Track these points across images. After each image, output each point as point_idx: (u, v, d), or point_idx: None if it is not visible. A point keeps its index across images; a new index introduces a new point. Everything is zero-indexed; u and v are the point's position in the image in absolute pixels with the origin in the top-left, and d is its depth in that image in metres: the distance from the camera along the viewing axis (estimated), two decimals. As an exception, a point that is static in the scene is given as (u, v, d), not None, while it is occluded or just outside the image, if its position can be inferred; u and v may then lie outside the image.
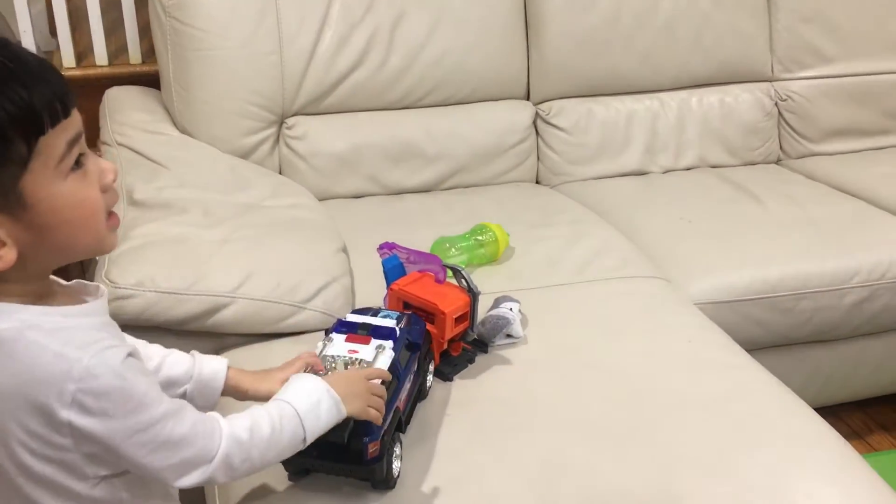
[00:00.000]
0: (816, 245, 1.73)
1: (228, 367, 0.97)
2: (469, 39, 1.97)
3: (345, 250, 1.56)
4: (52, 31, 2.16)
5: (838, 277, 1.67)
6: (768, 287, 1.65)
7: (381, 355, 1.01)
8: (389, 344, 1.03)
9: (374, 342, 1.03)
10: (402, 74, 1.94)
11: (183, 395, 0.92)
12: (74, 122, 0.70)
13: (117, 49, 2.12)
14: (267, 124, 1.88)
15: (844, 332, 1.74)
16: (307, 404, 0.85)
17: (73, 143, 0.70)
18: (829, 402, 1.80)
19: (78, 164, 0.71)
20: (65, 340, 0.70)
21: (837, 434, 1.19)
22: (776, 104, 2.22)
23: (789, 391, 1.27)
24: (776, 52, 2.21)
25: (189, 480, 0.78)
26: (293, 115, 1.91)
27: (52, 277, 0.78)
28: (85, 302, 0.77)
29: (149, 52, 2.06)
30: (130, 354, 0.74)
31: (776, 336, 1.68)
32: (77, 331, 0.72)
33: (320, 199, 1.81)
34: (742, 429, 1.17)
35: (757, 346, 1.62)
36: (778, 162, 2.24)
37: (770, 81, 2.22)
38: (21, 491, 0.74)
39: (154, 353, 0.93)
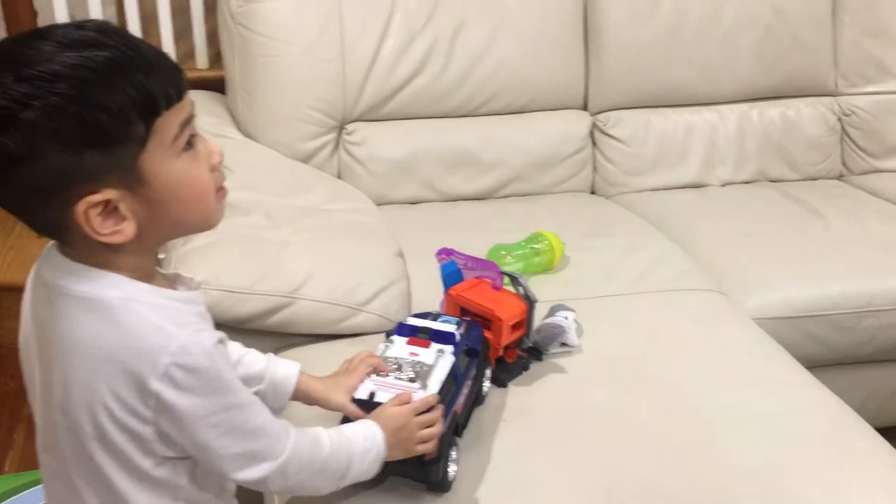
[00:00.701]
0: (880, 262, 1.70)
1: (300, 372, 1.00)
2: (528, 49, 1.98)
3: (401, 255, 1.57)
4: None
5: (902, 295, 1.64)
6: (830, 304, 1.62)
7: (441, 359, 1.02)
8: (450, 349, 1.05)
9: (435, 346, 1.05)
10: (461, 83, 1.96)
11: (255, 395, 0.95)
12: (186, 105, 0.75)
13: (185, 54, 2.17)
14: (327, 130, 1.91)
15: (907, 352, 1.70)
16: (361, 449, 0.90)
17: (184, 124, 0.74)
18: (888, 423, 1.75)
19: (189, 144, 0.75)
20: (166, 317, 0.75)
21: (897, 454, 1.17)
22: (839, 119, 2.18)
23: (849, 410, 1.25)
24: (840, 67, 2.18)
25: (246, 475, 0.81)
26: (353, 122, 1.94)
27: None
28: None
29: (215, 58, 2.12)
30: (221, 341, 0.78)
31: (836, 354, 1.66)
32: (177, 311, 0.77)
33: (377, 205, 1.83)
34: (800, 446, 1.15)
35: (815, 364, 1.59)
36: (840, 177, 2.20)
37: (833, 96, 2.19)
38: (91, 456, 0.78)
39: (233, 349, 0.96)
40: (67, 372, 0.76)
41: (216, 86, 2.05)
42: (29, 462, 1.79)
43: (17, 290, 2.19)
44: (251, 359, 0.99)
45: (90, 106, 0.68)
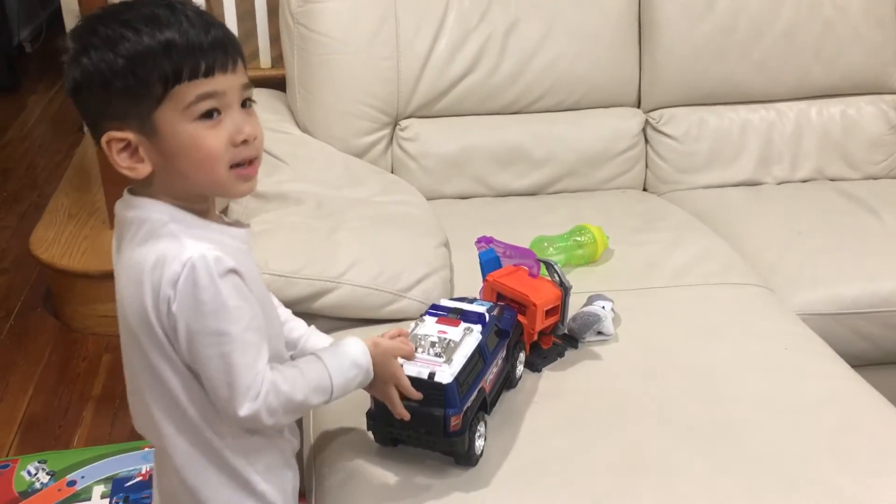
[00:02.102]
0: (934, 260, 1.66)
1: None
2: (581, 46, 2.00)
3: (447, 245, 1.62)
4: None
5: (955, 294, 1.60)
6: (879, 301, 1.60)
7: (467, 336, 1.06)
8: (478, 328, 1.08)
9: (463, 325, 1.08)
10: (514, 80, 1.99)
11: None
12: (216, 82, 0.85)
13: (250, 55, 2.27)
14: (381, 126, 1.97)
15: (961, 353, 1.66)
16: (342, 381, 0.96)
17: (204, 97, 0.84)
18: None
19: (209, 115, 0.85)
20: (194, 235, 0.87)
21: (938, 449, 1.15)
22: (902, 117, 2.13)
23: (886, 402, 1.24)
24: (903, 64, 2.13)
25: (234, 410, 0.88)
26: (406, 118, 1.99)
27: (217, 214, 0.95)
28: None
29: (278, 58, 2.20)
30: (235, 273, 0.86)
31: (884, 352, 1.63)
32: (205, 232, 0.88)
33: (429, 199, 1.87)
34: (832, 436, 1.15)
35: (864, 362, 1.57)
36: (902, 177, 2.15)
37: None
38: (150, 360, 0.89)
39: (281, 312, 1.08)
40: (122, 283, 0.90)
41: (278, 84, 2.13)
42: (96, 438, 1.90)
43: (91, 278, 2.33)
44: (293, 325, 1.09)
45: (126, 68, 0.83)
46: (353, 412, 1.15)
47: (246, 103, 0.89)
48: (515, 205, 1.94)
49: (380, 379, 1.00)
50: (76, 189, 2.60)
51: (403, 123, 1.99)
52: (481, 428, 1.07)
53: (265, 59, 2.24)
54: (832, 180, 2.10)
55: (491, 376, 1.11)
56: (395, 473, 1.07)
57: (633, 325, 1.39)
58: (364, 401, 1.08)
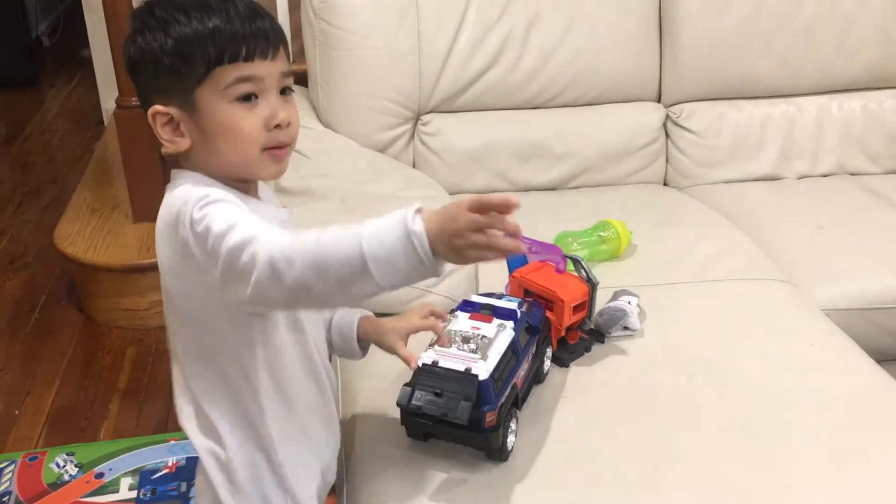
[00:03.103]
0: (958, 255, 1.66)
1: (360, 318, 1.10)
2: (602, 42, 2.00)
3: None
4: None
5: (979, 290, 1.60)
6: (903, 296, 1.60)
7: (501, 333, 1.07)
8: (510, 324, 1.09)
9: (496, 321, 1.10)
10: (535, 75, 2.00)
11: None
12: (255, 67, 0.89)
13: (270, 49, 2.28)
14: (403, 121, 1.98)
15: (985, 348, 1.66)
16: (374, 229, 0.78)
17: (242, 80, 0.89)
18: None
19: (247, 98, 0.90)
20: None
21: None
22: (924, 111, 2.13)
23: (916, 399, 1.24)
24: (925, 57, 2.12)
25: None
26: (428, 113, 2.00)
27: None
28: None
29: (299, 53, 2.21)
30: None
31: (909, 348, 1.63)
32: (246, 204, 0.89)
33: (450, 194, 1.88)
34: (861, 433, 1.16)
35: (888, 357, 1.58)
36: (923, 171, 2.14)
37: (917, 87, 2.13)
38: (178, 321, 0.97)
39: None
40: (157, 243, 0.92)
41: (299, 79, 2.14)
42: (122, 431, 1.92)
43: (114, 272, 2.35)
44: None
45: (174, 48, 0.89)
46: (386, 406, 1.16)
47: (285, 91, 0.93)
48: (537, 199, 1.95)
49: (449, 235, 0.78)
50: (98, 183, 2.62)
51: (425, 118, 2.00)
52: (513, 424, 1.09)
53: (286, 55, 2.25)
54: (853, 175, 2.10)
55: (522, 372, 1.12)
56: (427, 466, 1.09)
57: (659, 320, 1.40)
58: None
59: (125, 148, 2.30)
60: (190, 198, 0.86)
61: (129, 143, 2.29)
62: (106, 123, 3.11)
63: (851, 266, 1.65)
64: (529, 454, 1.10)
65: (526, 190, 2.01)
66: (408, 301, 1.44)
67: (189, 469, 1.78)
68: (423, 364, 1.03)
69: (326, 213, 1.57)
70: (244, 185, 0.96)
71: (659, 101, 2.10)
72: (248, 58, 0.89)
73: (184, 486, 1.74)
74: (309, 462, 1.02)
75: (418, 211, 0.79)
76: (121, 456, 1.83)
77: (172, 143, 0.93)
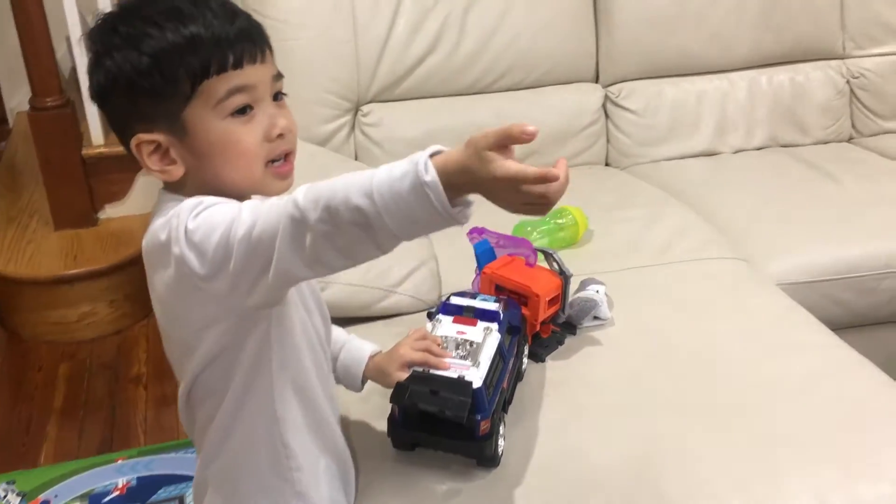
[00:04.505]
0: (897, 224, 1.72)
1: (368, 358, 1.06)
2: (539, 23, 1.98)
3: (428, 236, 1.59)
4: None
5: (922, 256, 1.67)
6: (850, 267, 1.65)
7: (488, 337, 1.04)
8: (495, 326, 1.07)
9: (481, 324, 1.06)
10: (474, 59, 1.96)
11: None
12: (246, 75, 0.80)
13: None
14: (343, 112, 1.92)
15: (926, 312, 1.73)
16: (385, 175, 0.71)
17: (235, 91, 0.80)
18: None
19: (243, 111, 0.81)
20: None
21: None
22: (848, 82, 2.19)
23: (879, 370, 1.27)
24: (847, 30, 2.18)
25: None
26: (368, 103, 1.94)
27: None
28: None
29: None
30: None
31: (856, 316, 1.68)
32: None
33: (397, 185, 1.84)
34: (837, 408, 1.18)
35: (837, 327, 1.60)
36: (850, 140, 2.21)
37: (842, 59, 2.20)
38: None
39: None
40: (148, 274, 0.84)
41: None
42: (65, 453, 1.82)
43: (40, 284, 2.21)
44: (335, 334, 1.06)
45: (152, 67, 0.79)
46: (369, 419, 1.12)
47: (277, 95, 0.85)
48: (485, 187, 1.92)
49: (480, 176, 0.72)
50: (10, 190, 2.46)
51: (365, 108, 1.94)
52: (501, 428, 1.06)
53: (210, 46, 2.15)
54: (785, 147, 2.15)
55: (508, 375, 1.10)
56: (418, 478, 1.05)
57: (626, 306, 1.40)
58: (383, 408, 1.05)
59: (42, 152, 2.16)
60: (181, 211, 0.77)
61: (47, 146, 2.16)
62: (11, 124, 2.91)
63: (799, 240, 1.69)
64: (520, 458, 1.08)
65: (472, 177, 1.98)
66: (373, 303, 1.40)
67: (141, 489, 1.69)
68: (415, 371, 0.99)
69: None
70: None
71: (597, 81, 2.09)
72: (237, 65, 0.80)
73: (138, 508, 1.66)
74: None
75: (433, 155, 0.71)
76: (66, 481, 1.72)
77: (164, 172, 0.83)
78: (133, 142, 0.82)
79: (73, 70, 2.58)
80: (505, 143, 0.73)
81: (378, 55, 1.90)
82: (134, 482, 1.71)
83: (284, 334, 0.87)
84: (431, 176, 0.69)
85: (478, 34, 1.95)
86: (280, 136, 0.83)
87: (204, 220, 0.76)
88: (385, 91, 1.94)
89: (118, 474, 1.74)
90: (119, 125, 0.84)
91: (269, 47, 0.85)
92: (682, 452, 1.10)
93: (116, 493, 1.70)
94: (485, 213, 1.68)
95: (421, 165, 0.69)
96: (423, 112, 1.96)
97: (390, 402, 1.01)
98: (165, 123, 0.81)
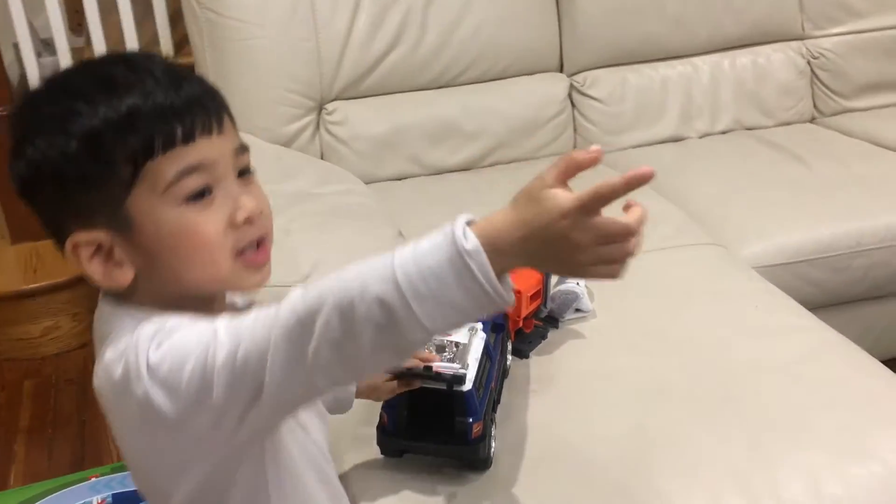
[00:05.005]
0: (866, 202, 1.74)
1: None
2: (502, 13, 1.97)
3: (401, 234, 1.56)
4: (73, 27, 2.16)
5: (891, 233, 1.68)
6: (823, 247, 1.66)
7: (474, 337, 1.03)
8: (480, 325, 1.05)
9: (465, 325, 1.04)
10: (438, 53, 1.94)
11: None
12: (199, 150, 0.67)
13: (149, 41, 2.12)
14: (306, 111, 1.88)
15: (897, 288, 1.75)
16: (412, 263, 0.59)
17: (187, 172, 0.67)
18: (882, 357, 1.80)
19: (201, 195, 0.68)
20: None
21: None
22: (808, 62, 2.21)
23: (861, 350, 1.29)
24: (806, 10, 2.20)
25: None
26: (332, 101, 1.91)
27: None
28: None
29: (182, 42, 2.06)
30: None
31: (831, 295, 1.69)
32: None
33: (365, 183, 1.81)
34: (820, 390, 1.18)
35: (812, 306, 1.61)
36: (812, 120, 2.23)
37: (801, 40, 2.21)
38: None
39: None
40: (107, 412, 0.71)
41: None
42: (34, 474, 1.76)
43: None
44: None
45: (82, 151, 0.66)
46: (356, 430, 1.10)
47: (243, 172, 0.71)
48: (455, 181, 1.91)
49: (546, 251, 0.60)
50: (-38, 203, 2.38)
51: (329, 107, 1.91)
52: (493, 429, 1.05)
53: (166, 45, 2.10)
54: (749, 129, 2.16)
55: (494, 374, 1.08)
56: (410, 484, 1.03)
57: (606, 297, 1.39)
58: (372, 415, 1.03)
59: (-5, 163, 2.09)
60: (138, 342, 0.65)
61: (-1, 157, 2.08)
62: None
63: (771, 222, 1.70)
64: (510, 457, 1.07)
65: (440, 172, 1.96)
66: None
67: (117, 506, 1.65)
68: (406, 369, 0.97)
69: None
70: (210, 301, 0.73)
71: (562, 70, 2.08)
72: (188, 139, 0.66)
73: (115, 526, 1.61)
74: None
75: (469, 224, 0.59)
76: (39, 502, 1.67)
77: (110, 278, 0.68)
78: (68, 244, 0.68)
79: (23, 77, 2.50)
80: (571, 172, 0.61)
81: (340, 52, 1.87)
82: (109, 499, 1.67)
83: (281, 461, 0.73)
84: (473, 243, 0.57)
85: (440, 27, 1.93)
86: (248, 220, 0.69)
87: (170, 349, 0.64)
88: (349, 88, 1.91)
89: (92, 492, 1.69)
90: (51, 224, 0.70)
91: (229, 114, 0.71)
92: (672, 442, 1.09)
93: (92, 512, 1.65)
94: (457, 205, 1.68)
95: (459, 232, 0.57)
96: (388, 108, 1.93)
97: (377, 444, 0.99)
98: (105, 218, 0.67)
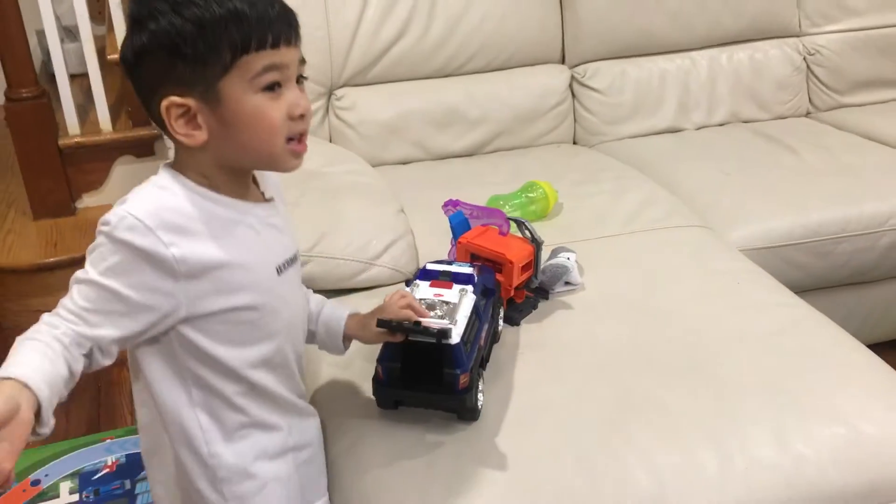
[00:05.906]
0: (852, 191, 1.80)
1: (348, 315, 1.09)
2: (506, 6, 2.04)
3: (403, 211, 1.64)
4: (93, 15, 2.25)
5: (875, 220, 1.75)
6: (808, 232, 1.72)
7: (464, 297, 1.10)
8: (470, 288, 1.12)
9: (456, 287, 1.12)
10: (444, 43, 2.02)
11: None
12: (281, 55, 0.85)
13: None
14: (317, 96, 1.96)
15: (880, 274, 1.81)
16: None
17: (270, 69, 0.84)
18: (864, 341, 1.86)
19: (272, 87, 0.85)
20: (160, 197, 0.87)
21: (883, 361, 1.27)
22: (804, 59, 2.28)
23: (838, 327, 1.35)
24: (803, 8, 2.27)
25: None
26: (341, 87, 1.99)
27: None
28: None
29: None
30: (145, 249, 0.84)
31: (815, 279, 1.76)
32: (180, 203, 0.87)
33: (372, 166, 1.89)
34: (797, 359, 1.25)
35: (797, 289, 1.67)
36: (807, 115, 2.30)
37: (798, 37, 2.28)
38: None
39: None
40: None
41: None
42: (53, 435, 1.82)
43: (21, 273, 2.23)
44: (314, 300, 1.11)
45: (195, 34, 0.82)
46: (353, 383, 1.18)
47: (300, 79, 0.89)
48: (458, 166, 1.98)
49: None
50: (-13, 181, 2.48)
51: (339, 93, 1.99)
52: (480, 384, 1.12)
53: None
54: (745, 122, 2.23)
55: (484, 333, 1.16)
56: (402, 433, 1.11)
57: (596, 273, 1.46)
58: (366, 372, 1.11)
59: (19, 143, 2.18)
60: (117, 209, 0.84)
61: (23, 138, 2.18)
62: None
63: (759, 208, 1.76)
64: (498, 411, 1.14)
65: (444, 158, 2.04)
66: (353, 275, 1.45)
67: (130, 466, 1.73)
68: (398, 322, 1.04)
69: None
70: (243, 180, 0.92)
71: (563, 62, 2.16)
72: (275, 44, 0.84)
73: (127, 484, 1.70)
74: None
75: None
76: (56, 461, 1.76)
77: (188, 136, 0.86)
78: (164, 103, 0.84)
79: (45, 63, 2.59)
80: None
81: (350, 41, 1.95)
82: (123, 460, 1.76)
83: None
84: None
85: (446, 18, 2.01)
86: (301, 116, 0.87)
87: (88, 270, 0.87)
88: (357, 75, 1.99)
89: (107, 453, 1.78)
90: (149, 87, 0.86)
91: (299, 34, 0.89)
92: (651, 403, 1.16)
93: (106, 470, 1.74)
94: (458, 187, 1.77)
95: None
96: (395, 95, 2.01)
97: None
98: (200, 90, 0.84)
